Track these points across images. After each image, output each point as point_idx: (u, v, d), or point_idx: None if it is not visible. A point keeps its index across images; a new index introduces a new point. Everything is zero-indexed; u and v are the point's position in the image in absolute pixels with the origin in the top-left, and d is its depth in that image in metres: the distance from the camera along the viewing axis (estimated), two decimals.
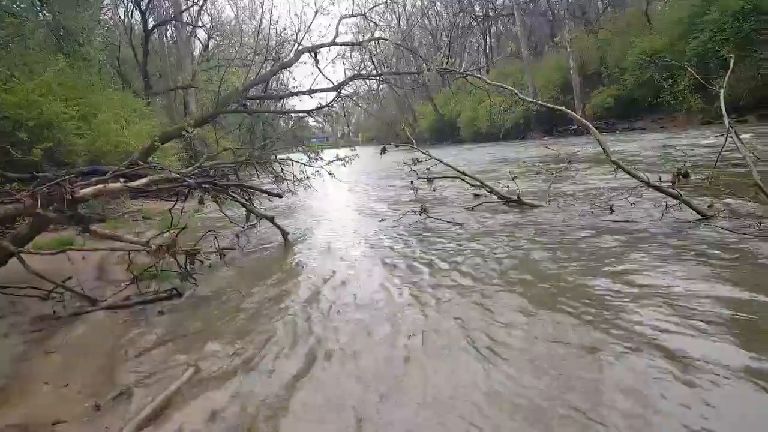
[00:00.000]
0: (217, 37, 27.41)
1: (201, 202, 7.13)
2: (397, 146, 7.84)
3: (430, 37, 53.28)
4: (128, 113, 10.96)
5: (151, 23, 19.46)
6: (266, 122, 8.76)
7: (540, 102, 7.00)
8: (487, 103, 30.45)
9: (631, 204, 5.24)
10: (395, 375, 2.18)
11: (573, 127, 26.57)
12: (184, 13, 22.74)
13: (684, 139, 13.79)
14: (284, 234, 5.64)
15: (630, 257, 3.57)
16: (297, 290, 3.65)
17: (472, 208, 6.41)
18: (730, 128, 5.07)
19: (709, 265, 3.16)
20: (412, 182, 7.10)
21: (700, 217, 4.46)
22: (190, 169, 6.24)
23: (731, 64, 6.08)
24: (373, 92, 48.34)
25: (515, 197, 6.32)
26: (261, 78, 7.43)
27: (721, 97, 5.44)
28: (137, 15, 19.92)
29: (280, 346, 2.60)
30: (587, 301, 2.80)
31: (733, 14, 20.35)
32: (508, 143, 27.40)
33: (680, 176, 5.30)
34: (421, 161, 7.12)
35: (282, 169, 7.48)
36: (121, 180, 4.81)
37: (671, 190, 4.75)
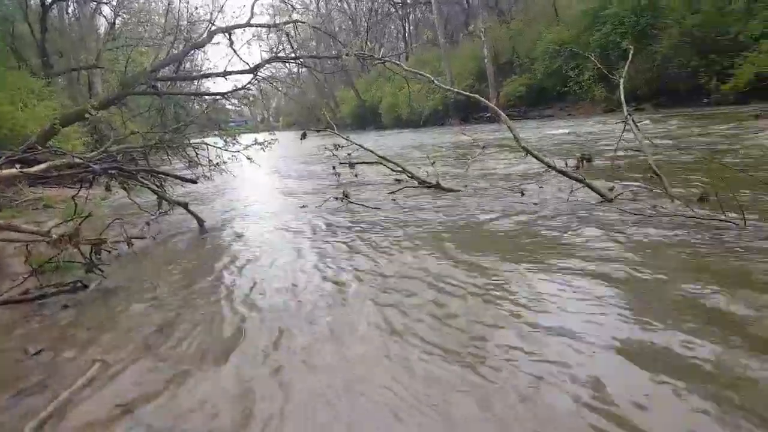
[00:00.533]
0: (125, 15, 25.55)
1: (108, 188, 6.69)
2: (317, 131, 7.77)
3: (350, 22, 52.92)
4: (25, 94, 10.02)
5: None
6: (178, 105, 8.33)
7: (455, 90, 7.20)
8: (407, 89, 30.87)
9: (540, 187, 5.53)
10: (309, 361, 2.18)
11: (488, 115, 27.53)
12: None
13: (588, 127, 14.76)
14: (199, 221, 5.43)
15: (535, 236, 3.79)
16: (212, 279, 3.54)
17: (394, 192, 6.48)
18: (628, 116, 5.48)
19: (605, 243, 3.43)
20: (333, 168, 7.09)
21: (602, 199, 4.78)
22: (94, 153, 5.85)
23: (630, 56, 6.54)
24: (293, 76, 47.47)
25: (434, 182, 6.48)
26: (172, 58, 7.03)
27: (621, 87, 5.86)
28: None
29: (192, 337, 2.51)
30: (498, 280, 2.93)
31: (631, 8, 21.87)
32: (427, 129, 27.94)
33: (583, 161, 5.67)
34: (342, 147, 7.12)
35: (197, 154, 7.17)
36: (17, 166, 4.42)
37: (575, 174, 5.09)
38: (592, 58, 7.22)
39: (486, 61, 31.02)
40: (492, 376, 1.87)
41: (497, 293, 2.70)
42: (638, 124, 5.51)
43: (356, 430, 1.66)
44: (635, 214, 4.07)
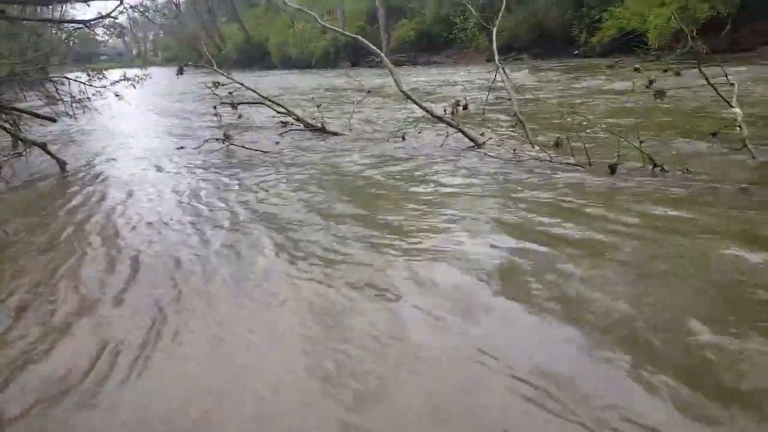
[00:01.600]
0: None
1: None
2: (195, 66, 7.36)
3: None
4: None
5: None
6: (36, 32, 7.35)
7: (340, 31, 7.13)
8: (297, 28, 29.67)
9: (419, 132, 5.78)
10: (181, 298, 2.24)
11: (378, 59, 27.50)
12: None
13: (469, 75, 15.36)
14: (60, 163, 5.03)
15: (411, 176, 4.06)
16: (73, 226, 3.38)
17: (279, 135, 6.42)
18: (499, 65, 5.86)
19: (467, 182, 3.79)
20: (214, 107, 6.80)
21: (473, 144, 5.14)
22: None
23: (503, 6, 6.86)
24: (172, 5, 43.46)
25: (320, 125, 6.50)
26: None
27: (494, 37, 6.19)
28: None
29: (49, 292, 2.38)
30: (375, 216, 3.14)
31: None
32: (318, 71, 27.29)
33: (458, 108, 5.99)
34: (224, 85, 6.84)
35: (57, 90, 6.50)
36: None
37: (450, 121, 5.38)
38: (470, 8, 7.47)
39: (377, 2, 30.56)
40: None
41: (367, 234, 2.91)
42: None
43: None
44: (499, 159, 4.46)
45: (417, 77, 15.31)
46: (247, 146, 5.71)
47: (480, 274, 2.23)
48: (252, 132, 6.91)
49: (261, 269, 2.47)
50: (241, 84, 6.78)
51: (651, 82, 4.20)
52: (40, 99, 6.98)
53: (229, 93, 6.64)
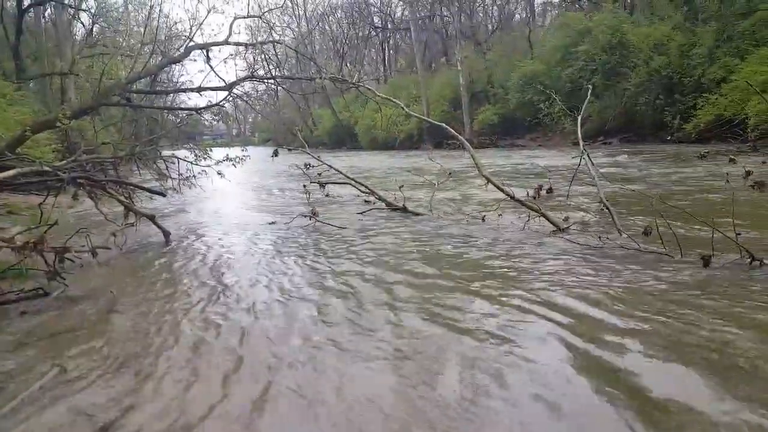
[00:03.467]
0: (102, 23, 25.39)
1: (75, 197, 6.67)
2: (289, 150, 7.91)
3: (330, 44, 53.51)
4: None
5: (27, 1, 17.65)
6: (151, 117, 8.37)
7: (424, 118, 7.45)
8: (384, 112, 31.29)
9: (499, 215, 5.75)
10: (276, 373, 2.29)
11: (459, 143, 28.09)
12: None
13: (554, 159, 15.24)
14: (165, 234, 5.49)
15: (492, 259, 4.00)
16: (175, 291, 3.63)
17: (362, 213, 6.64)
18: (584, 151, 5.80)
19: (550, 270, 3.66)
20: (304, 186, 7.19)
21: (555, 228, 5.02)
22: (63, 162, 5.85)
23: (589, 94, 6.90)
24: (271, 93, 47.61)
25: (401, 205, 6.66)
26: (147, 71, 7.10)
27: (578, 124, 6.19)
28: None
29: (152, 347, 2.57)
30: (450, 301, 3.10)
31: (601, 47, 22.78)
32: (402, 152, 28.31)
33: (540, 192, 5.94)
34: (314, 166, 7.26)
35: (167, 167, 7.21)
36: None
37: (532, 204, 5.32)
38: (554, 96, 7.58)
39: (461, 89, 31.73)
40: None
41: (447, 315, 2.86)
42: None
43: None
44: (583, 245, 4.31)
45: (500, 160, 15.42)
46: (332, 223, 5.93)
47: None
48: (338, 210, 7.20)
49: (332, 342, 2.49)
50: (330, 166, 7.17)
51: (748, 173, 3.99)
52: (151, 175, 7.78)
53: (318, 174, 7.03)
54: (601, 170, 6.41)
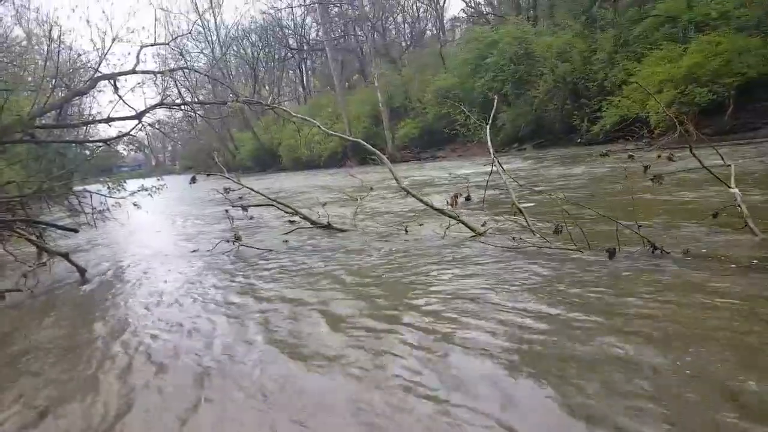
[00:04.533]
0: (3, 59, 23.77)
1: None
2: (208, 175, 7.83)
3: (247, 67, 52.93)
4: None
5: None
6: (60, 152, 8.01)
7: (341, 135, 7.65)
8: (305, 132, 31.23)
9: (420, 225, 6.01)
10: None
11: (386, 156, 28.59)
12: None
13: (471, 167, 15.94)
14: (81, 271, 5.27)
15: (415, 268, 4.20)
16: (92, 331, 3.49)
17: (286, 233, 6.68)
18: (494, 158, 6.14)
19: (469, 270, 3.93)
20: (226, 211, 7.14)
21: (473, 234, 5.30)
22: None
23: (495, 105, 7.33)
24: (189, 119, 46.28)
25: (326, 223, 6.78)
26: (52, 105, 6.79)
27: (487, 133, 6.56)
28: None
29: (66, 399, 2.44)
30: (377, 312, 3.27)
31: (509, 58, 24.02)
32: (326, 170, 28.39)
33: (457, 199, 6.27)
34: (235, 190, 7.23)
35: (79, 202, 6.93)
36: None
37: (450, 213, 5.60)
38: (463, 109, 8.03)
39: (381, 105, 32.38)
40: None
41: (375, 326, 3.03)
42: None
43: None
44: (499, 247, 4.60)
45: (420, 171, 15.90)
46: (256, 246, 5.95)
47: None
48: (262, 232, 7.20)
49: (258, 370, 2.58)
50: (251, 188, 7.18)
51: (646, 168, 4.39)
52: (62, 212, 7.43)
53: (239, 198, 7.02)
54: (514, 175, 6.80)
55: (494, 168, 6.17)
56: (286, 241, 6.29)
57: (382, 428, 1.89)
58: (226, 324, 3.31)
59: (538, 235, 4.74)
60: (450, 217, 5.55)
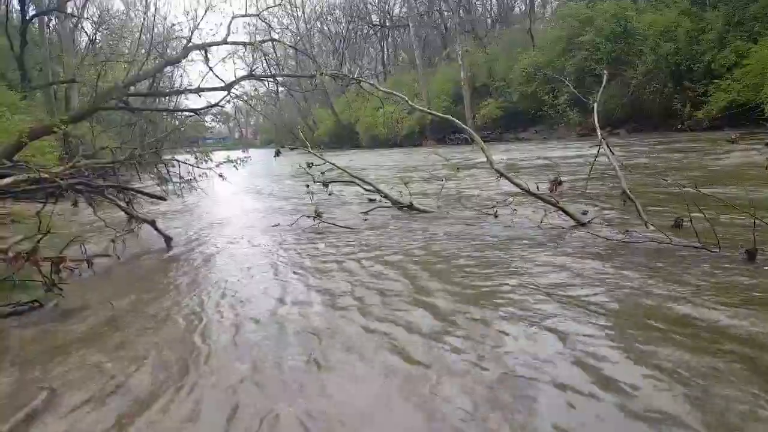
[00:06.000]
0: (105, 31, 25.40)
1: (75, 204, 6.53)
2: (291, 149, 7.73)
3: (329, 43, 53.35)
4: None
5: (30, 12, 17.72)
6: (151, 120, 8.23)
7: (429, 111, 7.25)
8: (385, 109, 31.03)
9: (513, 210, 5.50)
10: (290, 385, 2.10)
11: (464, 136, 27.81)
12: (68, 3, 20.80)
13: (563, 150, 15.02)
14: (167, 239, 5.29)
15: (508, 261, 3.75)
16: (176, 301, 3.41)
17: (367, 212, 6.45)
18: (602, 140, 5.53)
19: (575, 266, 3.44)
20: (307, 186, 7.02)
21: (575, 223, 4.77)
22: (62, 168, 5.69)
23: (604, 81, 6.62)
24: (272, 94, 47.53)
25: (408, 203, 6.46)
26: (145, 74, 6.94)
27: (595, 112, 5.94)
28: (15, 2, 18.23)
29: (150, 368, 2.34)
30: (469, 306, 2.90)
31: (606, 36, 22.41)
32: (404, 149, 28.11)
33: (557, 184, 5.72)
34: (317, 165, 7.08)
35: (168, 171, 7.05)
36: None
37: (549, 198, 5.07)
38: (567, 83, 7.36)
39: (463, 83, 31.50)
40: None
41: (467, 320, 2.67)
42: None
43: None
44: (606, 238, 4.07)
45: (506, 153, 15.19)
46: (337, 223, 5.75)
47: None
48: (342, 209, 7.01)
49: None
50: (333, 164, 6.99)
51: None
52: (152, 179, 7.62)
53: (321, 173, 6.85)
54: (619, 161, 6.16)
55: (600, 150, 5.55)
56: (366, 219, 6.06)
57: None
58: (305, 307, 3.08)
59: (653, 228, 4.15)
60: (548, 203, 5.03)
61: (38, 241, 3.62)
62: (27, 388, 2.19)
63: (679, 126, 18.28)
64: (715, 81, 17.20)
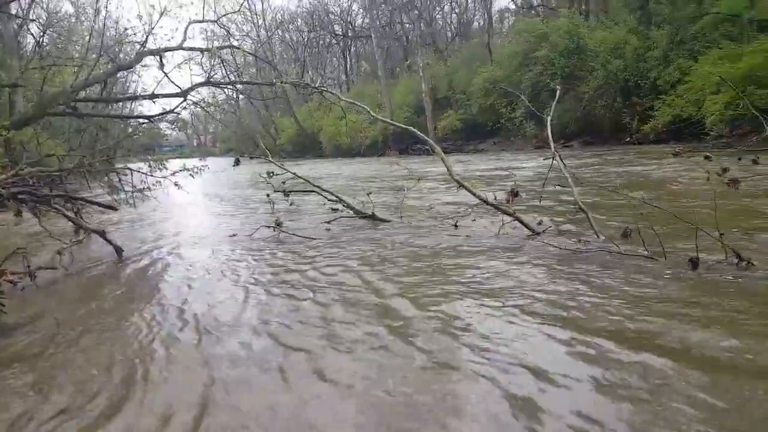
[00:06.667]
0: (52, 33, 24.47)
1: (17, 214, 6.20)
2: (251, 158, 7.59)
3: (291, 52, 53.12)
4: None
5: None
6: (103, 127, 7.93)
7: (391, 122, 7.28)
8: (348, 119, 30.96)
9: (472, 220, 5.57)
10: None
11: (426, 147, 28.05)
12: (11, 4, 19.95)
13: (519, 161, 15.34)
14: (118, 250, 5.09)
15: (467, 269, 3.78)
16: (126, 314, 3.27)
17: (329, 222, 6.37)
18: (555, 153, 5.67)
19: (530, 274, 3.50)
20: (268, 195, 6.90)
21: (530, 233, 4.86)
22: (3, 176, 5.40)
23: (557, 96, 6.80)
24: (231, 101, 46.86)
25: (370, 212, 6.43)
26: (95, 78, 6.68)
27: (548, 125, 6.04)
28: None
29: (97, 388, 2.21)
30: (426, 309, 2.89)
31: (560, 52, 23.23)
32: (367, 159, 28.15)
33: (513, 195, 5.80)
34: (277, 174, 6.96)
35: (119, 179, 6.79)
36: None
37: (506, 208, 5.15)
38: (522, 97, 7.54)
39: (424, 95, 31.89)
40: None
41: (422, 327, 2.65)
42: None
43: None
44: (560, 247, 4.14)
45: (465, 165, 15.39)
46: (298, 234, 5.66)
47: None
48: (304, 219, 6.91)
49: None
50: (294, 174, 6.89)
51: (725, 170, 3.89)
52: (102, 188, 7.33)
53: (282, 182, 6.74)
54: (571, 172, 6.32)
55: (553, 162, 5.67)
56: (329, 229, 6.00)
57: None
58: (258, 321, 3.00)
59: (604, 238, 4.28)
60: (506, 213, 5.11)
61: None
62: None
63: (628, 139, 19.01)
64: (661, 96, 18.03)
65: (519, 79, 24.99)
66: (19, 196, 4.96)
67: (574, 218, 5.10)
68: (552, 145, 5.68)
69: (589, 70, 21.96)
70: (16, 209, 5.26)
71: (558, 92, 6.76)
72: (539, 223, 5.07)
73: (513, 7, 38.35)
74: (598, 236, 4.37)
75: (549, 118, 5.97)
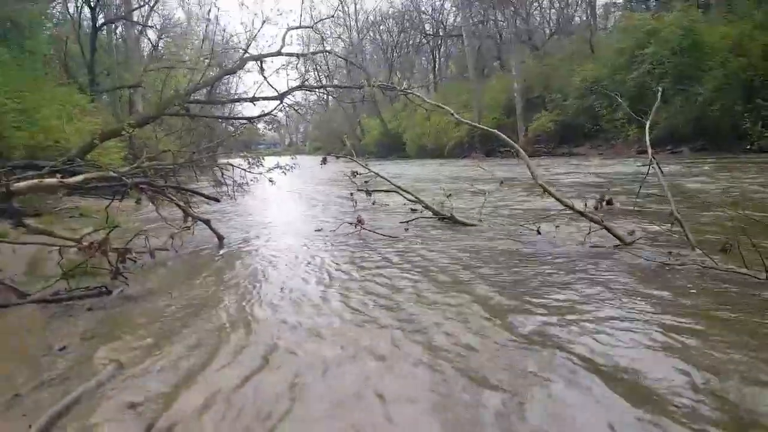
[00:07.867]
0: (167, 39, 26.94)
1: (138, 201, 7.03)
2: (337, 157, 8.02)
3: (381, 53, 54.01)
4: (71, 109, 10.71)
5: (100, 20, 19.19)
6: (209, 126, 8.82)
7: (475, 124, 7.36)
8: (433, 120, 31.02)
9: (556, 227, 5.49)
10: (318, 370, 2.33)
11: (514, 151, 27.46)
12: (134, 12, 22.31)
13: (616, 167, 14.59)
14: (219, 237, 5.72)
15: (549, 279, 3.76)
16: (226, 292, 3.76)
17: (407, 222, 6.59)
18: (653, 159, 5.35)
19: (614, 290, 3.39)
20: (351, 194, 7.28)
21: (619, 243, 4.66)
22: (128, 168, 6.19)
23: (658, 98, 6.38)
24: (322, 103, 48.57)
25: (449, 214, 6.57)
26: (205, 82, 7.46)
27: (646, 131, 5.65)
28: (87, 11, 19.75)
29: (201, 344, 2.66)
30: (506, 319, 3.03)
31: (671, 49, 21.49)
32: (451, 161, 28.06)
33: (603, 203, 5.61)
34: (361, 174, 7.32)
35: (222, 174, 7.52)
36: (58, 176, 4.76)
37: (593, 216, 4.98)
38: (619, 99, 7.24)
39: (516, 95, 31.15)
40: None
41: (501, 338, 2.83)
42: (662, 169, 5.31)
43: None
44: (650, 260, 4.00)
45: (555, 169, 14.97)
46: (378, 231, 5.95)
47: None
48: (384, 218, 7.22)
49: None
50: (376, 173, 7.21)
51: None
52: (207, 182, 8.13)
53: (365, 182, 7.09)
54: (673, 181, 5.95)
55: (650, 170, 5.41)
56: (407, 228, 6.23)
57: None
58: (337, 305, 3.34)
59: (700, 251, 4.03)
60: (592, 221, 4.93)
61: (108, 234, 4.03)
62: (96, 361, 2.51)
63: (748, 147, 16.87)
64: None
65: (623, 79, 23.37)
66: (141, 186, 5.67)
67: (670, 230, 4.86)
68: (650, 151, 5.40)
69: (706, 69, 20.15)
70: (137, 197, 6.01)
71: (659, 94, 6.36)
72: (631, 233, 4.82)
73: (620, 1, 36.11)
74: (693, 249, 4.16)
75: (648, 123, 5.69)
